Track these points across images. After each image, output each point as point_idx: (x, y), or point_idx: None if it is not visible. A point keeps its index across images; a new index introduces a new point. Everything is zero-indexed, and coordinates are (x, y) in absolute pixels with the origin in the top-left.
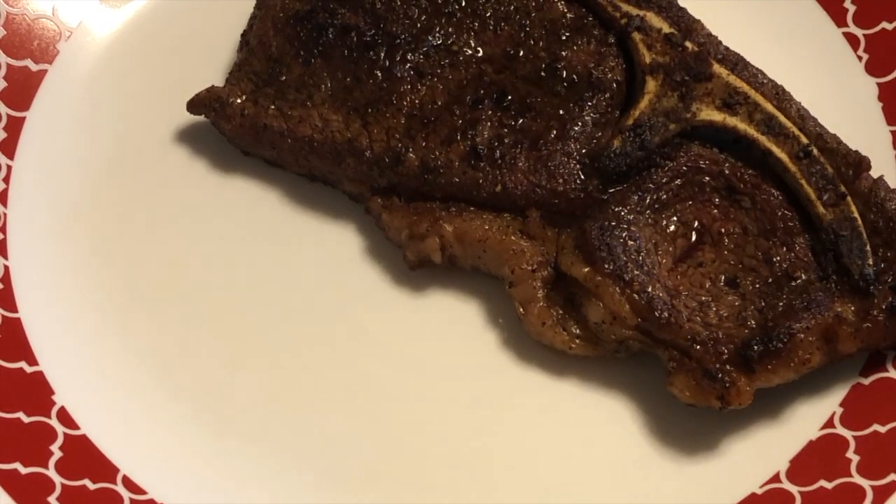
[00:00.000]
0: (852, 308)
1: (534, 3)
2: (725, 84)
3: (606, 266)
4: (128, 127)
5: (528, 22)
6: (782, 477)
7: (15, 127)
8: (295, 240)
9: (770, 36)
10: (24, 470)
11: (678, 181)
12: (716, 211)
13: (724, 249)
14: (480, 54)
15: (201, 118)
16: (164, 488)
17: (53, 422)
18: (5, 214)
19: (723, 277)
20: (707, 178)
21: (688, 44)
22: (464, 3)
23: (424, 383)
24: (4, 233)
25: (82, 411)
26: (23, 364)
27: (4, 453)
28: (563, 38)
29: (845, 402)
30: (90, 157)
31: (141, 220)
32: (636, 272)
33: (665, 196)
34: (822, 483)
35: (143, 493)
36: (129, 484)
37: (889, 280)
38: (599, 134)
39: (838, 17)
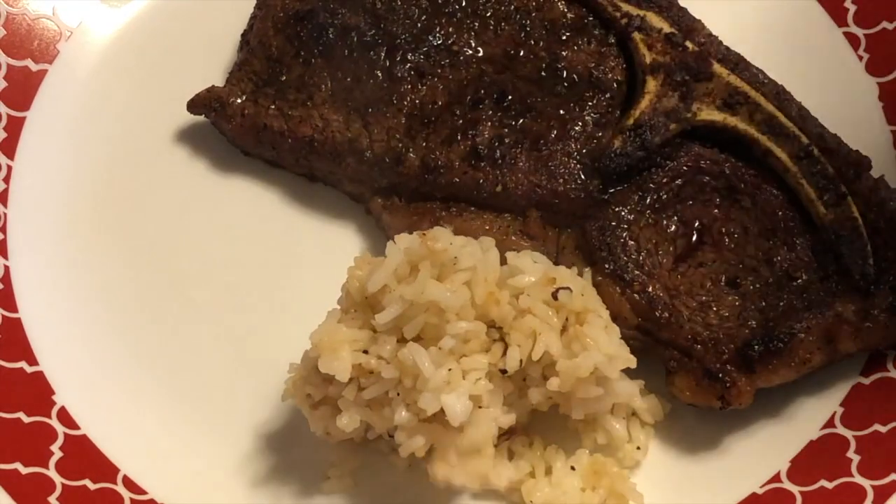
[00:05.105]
0: (853, 308)
1: (534, 3)
2: (726, 84)
3: (607, 266)
4: (128, 127)
5: (528, 22)
6: (783, 477)
7: (15, 127)
8: (295, 240)
9: (770, 36)
10: (24, 470)
11: (679, 181)
12: (716, 211)
13: (725, 249)
14: (481, 54)
15: (201, 118)
16: (164, 488)
17: (54, 422)
18: (5, 214)
19: (723, 277)
20: (707, 178)
21: (688, 44)
22: (464, 3)
23: None
24: (4, 233)
25: (83, 411)
26: (23, 364)
27: (5, 453)
28: (564, 38)
29: (846, 402)
30: (90, 157)
31: (141, 220)
32: (636, 272)
33: (665, 196)
34: (823, 483)
35: (144, 493)
36: (130, 484)
37: (890, 280)
38: (600, 134)
39: (839, 17)
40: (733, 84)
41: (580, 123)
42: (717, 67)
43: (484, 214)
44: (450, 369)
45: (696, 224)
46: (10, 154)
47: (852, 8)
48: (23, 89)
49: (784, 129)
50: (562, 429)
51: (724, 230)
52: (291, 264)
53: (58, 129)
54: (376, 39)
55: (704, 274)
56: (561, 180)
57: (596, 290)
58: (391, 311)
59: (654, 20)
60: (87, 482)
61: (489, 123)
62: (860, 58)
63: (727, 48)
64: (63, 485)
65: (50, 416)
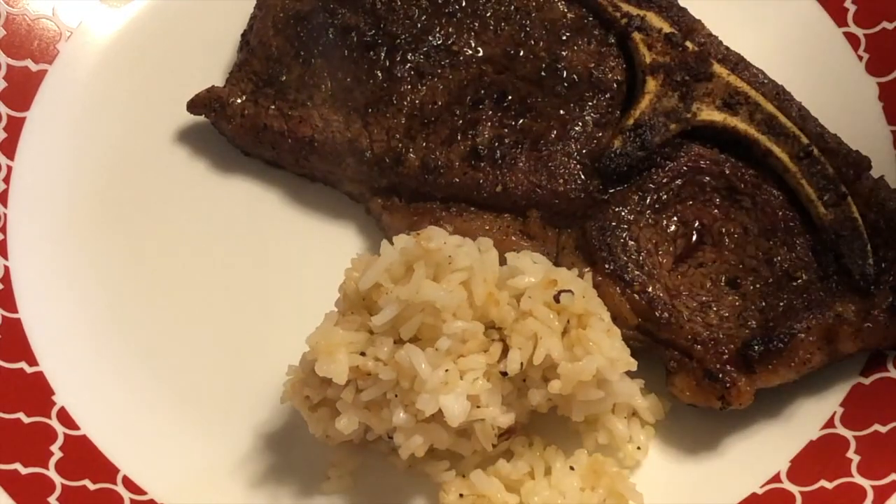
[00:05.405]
0: (853, 308)
1: (534, 3)
2: (726, 84)
3: (607, 266)
4: (128, 127)
5: (528, 22)
6: (783, 477)
7: (15, 127)
8: (295, 240)
9: (770, 36)
10: (24, 470)
11: (679, 181)
12: (716, 211)
13: (725, 249)
14: (481, 54)
15: (201, 118)
16: (164, 488)
17: (53, 422)
18: (5, 215)
19: (723, 277)
20: (708, 179)
21: (688, 44)
22: (464, 4)
23: None
24: (4, 233)
25: (82, 412)
26: (23, 364)
27: (4, 454)
28: (564, 38)
29: (846, 402)
30: (90, 157)
31: (141, 221)
32: (636, 272)
33: (665, 196)
34: (823, 483)
35: (143, 493)
36: (130, 484)
37: (889, 280)
38: (600, 134)
39: (839, 17)
40: (733, 84)
41: (580, 123)
42: (717, 67)
43: (484, 214)
44: (447, 370)
45: (696, 224)
46: (10, 154)
47: (852, 8)
48: (23, 89)
49: (784, 129)
50: (561, 429)
51: (724, 230)
52: (291, 265)
53: (58, 129)
54: (376, 39)
55: (704, 274)
56: (561, 180)
57: (596, 290)
58: (387, 313)
59: (654, 20)
60: (87, 482)
61: (489, 123)
62: (860, 58)
63: (727, 48)
64: (63, 485)
65: (50, 417)
